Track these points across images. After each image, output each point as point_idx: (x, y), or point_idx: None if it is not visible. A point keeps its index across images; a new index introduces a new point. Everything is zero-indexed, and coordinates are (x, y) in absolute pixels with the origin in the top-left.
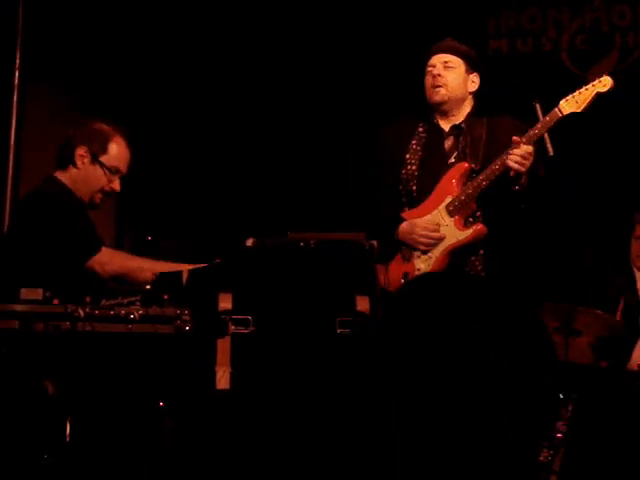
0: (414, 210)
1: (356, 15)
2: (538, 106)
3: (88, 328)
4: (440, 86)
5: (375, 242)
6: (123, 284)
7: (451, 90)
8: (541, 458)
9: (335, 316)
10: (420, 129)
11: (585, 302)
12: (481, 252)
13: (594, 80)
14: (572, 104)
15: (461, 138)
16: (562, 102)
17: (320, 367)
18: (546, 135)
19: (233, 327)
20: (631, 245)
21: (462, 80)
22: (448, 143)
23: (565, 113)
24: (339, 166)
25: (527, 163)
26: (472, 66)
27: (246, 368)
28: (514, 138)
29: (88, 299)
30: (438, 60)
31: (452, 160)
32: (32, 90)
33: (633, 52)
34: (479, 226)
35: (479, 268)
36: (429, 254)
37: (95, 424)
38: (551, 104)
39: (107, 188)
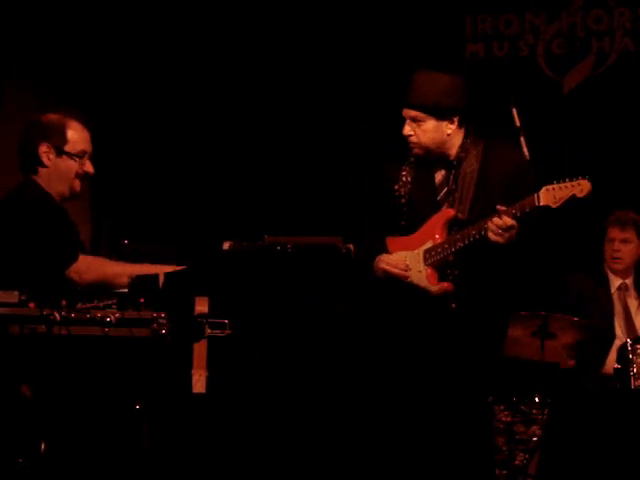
0: (400, 238)
1: (334, 18)
2: (515, 110)
3: (64, 331)
4: (413, 143)
5: (352, 246)
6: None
7: (425, 144)
8: (517, 462)
9: (312, 318)
10: (412, 157)
11: (559, 306)
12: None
13: (575, 179)
14: (550, 198)
15: (452, 172)
16: (542, 190)
17: (296, 370)
18: (522, 139)
19: (209, 330)
20: (604, 249)
21: (433, 131)
22: (438, 177)
23: (542, 204)
24: (317, 170)
25: (506, 235)
26: (441, 116)
27: (223, 371)
28: (498, 207)
29: (64, 302)
30: (407, 114)
31: (441, 196)
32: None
33: (609, 57)
34: (445, 284)
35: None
36: None
37: (72, 427)
38: (528, 109)
39: (81, 172)
